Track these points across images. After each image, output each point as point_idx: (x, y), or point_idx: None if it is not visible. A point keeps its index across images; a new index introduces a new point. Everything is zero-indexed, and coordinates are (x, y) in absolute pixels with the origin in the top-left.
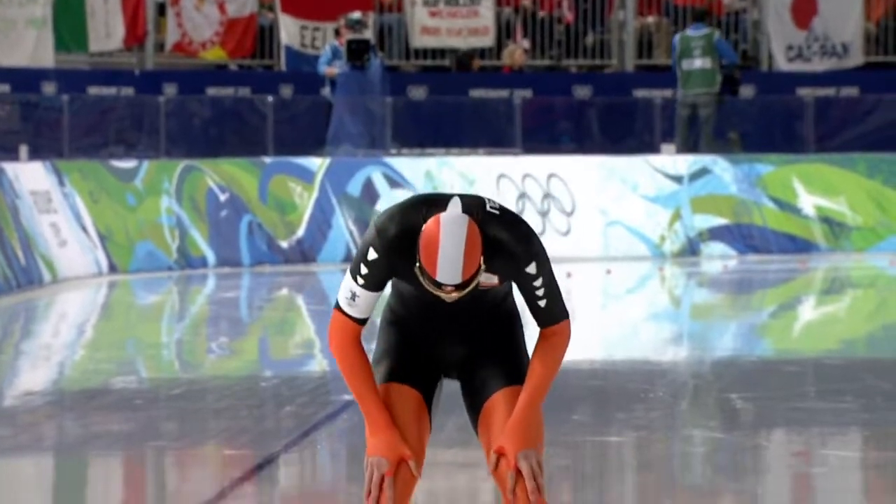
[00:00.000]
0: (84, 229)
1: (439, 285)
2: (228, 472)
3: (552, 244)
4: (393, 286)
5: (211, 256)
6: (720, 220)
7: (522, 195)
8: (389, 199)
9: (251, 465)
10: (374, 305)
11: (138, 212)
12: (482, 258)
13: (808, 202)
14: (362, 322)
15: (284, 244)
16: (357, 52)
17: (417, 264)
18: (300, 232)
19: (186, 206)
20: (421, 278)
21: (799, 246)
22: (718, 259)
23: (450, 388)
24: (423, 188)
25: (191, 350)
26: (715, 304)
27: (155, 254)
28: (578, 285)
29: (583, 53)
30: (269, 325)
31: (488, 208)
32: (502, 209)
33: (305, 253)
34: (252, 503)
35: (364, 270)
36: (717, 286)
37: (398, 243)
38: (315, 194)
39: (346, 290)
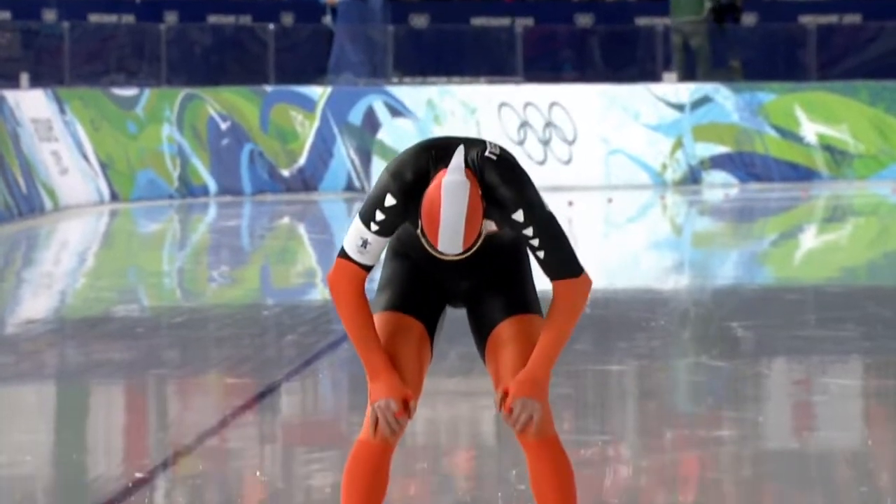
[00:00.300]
0: (85, 157)
1: (441, 252)
2: (230, 400)
3: (554, 173)
4: None
5: (212, 185)
6: (722, 149)
7: (524, 124)
8: (391, 127)
9: (253, 393)
10: (382, 251)
11: (139, 140)
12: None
13: (810, 130)
14: (369, 269)
15: (286, 173)
16: None
17: (419, 227)
18: (301, 160)
19: (188, 135)
20: (423, 241)
21: (801, 174)
22: (720, 187)
23: (453, 315)
24: (424, 117)
25: (192, 278)
26: (716, 233)
27: (156, 182)
28: (580, 214)
29: None
30: (270, 254)
31: (487, 153)
32: (500, 155)
33: (307, 181)
34: (254, 431)
35: (380, 216)
36: (718, 214)
37: (413, 187)
38: (316, 123)
39: (357, 238)
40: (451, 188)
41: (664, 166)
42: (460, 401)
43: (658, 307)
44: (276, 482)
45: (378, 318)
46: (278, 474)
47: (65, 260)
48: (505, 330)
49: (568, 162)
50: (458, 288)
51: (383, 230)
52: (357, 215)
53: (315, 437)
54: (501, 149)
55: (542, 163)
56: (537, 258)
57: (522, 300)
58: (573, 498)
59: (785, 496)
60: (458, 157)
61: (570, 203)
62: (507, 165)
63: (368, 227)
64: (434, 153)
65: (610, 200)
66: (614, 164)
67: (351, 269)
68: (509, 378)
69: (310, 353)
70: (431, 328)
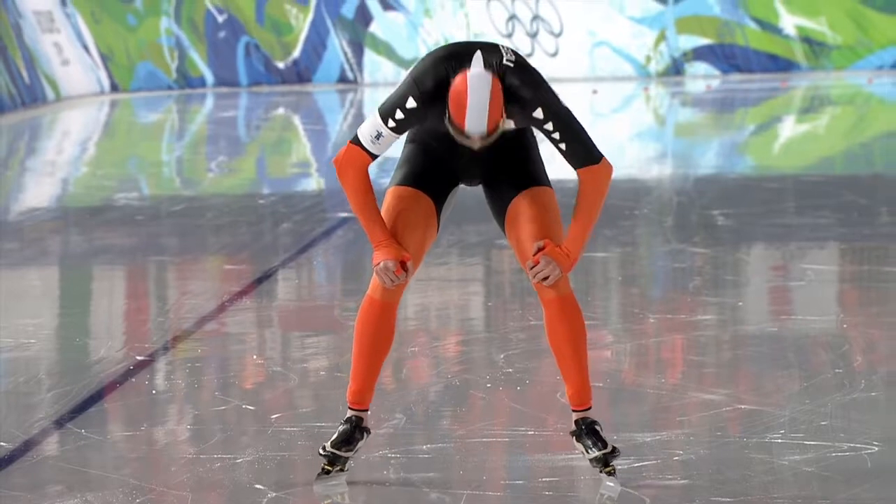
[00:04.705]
0: (86, 49)
1: (467, 136)
2: (228, 285)
3: (540, 65)
4: None
5: (209, 76)
6: (704, 41)
7: (512, 17)
8: (382, 20)
9: (250, 279)
10: (391, 146)
11: (138, 32)
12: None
13: (790, 22)
14: (376, 157)
15: (281, 65)
16: None
17: (447, 117)
18: (296, 53)
19: (185, 27)
20: (450, 129)
21: (780, 65)
22: (702, 78)
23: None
24: (415, 10)
25: (191, 168)
26: (698, 123)
27: (155, 73)
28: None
29: None
30: (266, 144)
31: (504, 61)
32: (517, 61)
33: (301, 73)
34: (251, 316)
35: (399, 116)
36: (700, 105)
37: (433, 93)
38: (310, 16)
39: (372, 129)
40: (476, 76)
41: (648, 58)
42: (450, 288)
43: (641, 196)
44: (272, 365)
45: (392, 192)
46: (275, 358)
47: (67, 149)
48: (520, 202)
49: (554, 54)
50: (473, 170)
51: (399, 128)
52: (376, 110)
53: (310, 321)
54: (516, 54)
55: (529, 55)
56: (560, 150)
57: (533, 175)
58: (584, 350)
59: (763, 378)
60: (478, 62)
61: None
62: (524, 69)
63: (386, 122)
64: (454, 63)
65: (595, 92)
66: (599, 56)
67: (360, 156)
68: (529, 243)
69: (305, 240)
70: (440, 204)
